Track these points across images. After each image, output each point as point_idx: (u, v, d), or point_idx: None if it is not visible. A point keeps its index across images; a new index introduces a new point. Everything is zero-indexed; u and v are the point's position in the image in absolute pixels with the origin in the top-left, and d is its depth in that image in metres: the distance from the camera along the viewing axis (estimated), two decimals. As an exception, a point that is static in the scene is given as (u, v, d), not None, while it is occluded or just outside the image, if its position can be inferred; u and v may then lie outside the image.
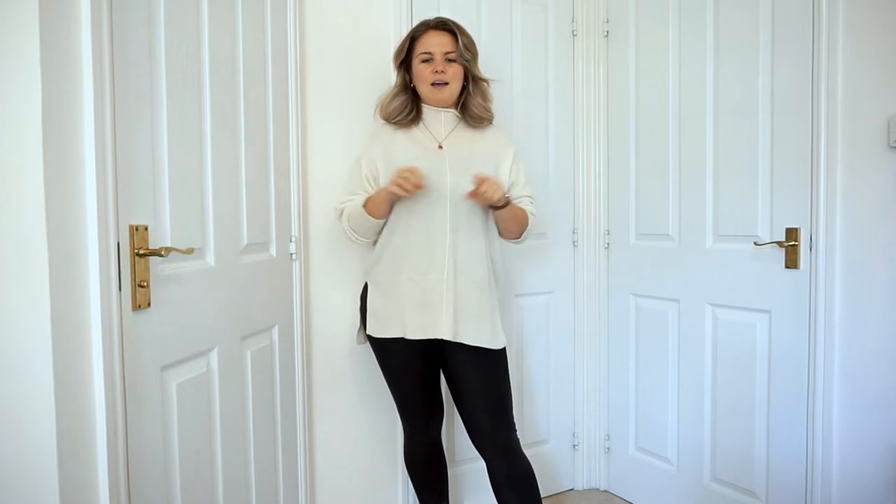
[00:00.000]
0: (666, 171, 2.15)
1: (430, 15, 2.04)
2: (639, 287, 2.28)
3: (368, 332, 1.69)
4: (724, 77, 1.95)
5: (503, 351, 1.67)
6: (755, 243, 1.84)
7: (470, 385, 1.63)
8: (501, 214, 1.64)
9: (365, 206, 1.63)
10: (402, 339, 1.63)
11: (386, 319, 1.65)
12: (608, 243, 2.40)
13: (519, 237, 1.74)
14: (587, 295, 2.42)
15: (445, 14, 1.88)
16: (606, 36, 2.36)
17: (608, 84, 2.37)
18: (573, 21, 2.36)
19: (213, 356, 1.40)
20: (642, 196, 2.26)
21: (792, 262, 1.77)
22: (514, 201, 1.73)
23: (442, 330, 1.59)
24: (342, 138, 1.96)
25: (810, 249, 1.73)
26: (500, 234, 1.75)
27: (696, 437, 2.09)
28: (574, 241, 2.41)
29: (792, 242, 1.76)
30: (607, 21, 2.35)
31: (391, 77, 2.00)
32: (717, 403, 2.02)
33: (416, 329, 1.61)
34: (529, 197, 1.76)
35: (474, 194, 1.55)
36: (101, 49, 1.02)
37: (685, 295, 2.11)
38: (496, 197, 1.54)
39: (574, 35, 2.37)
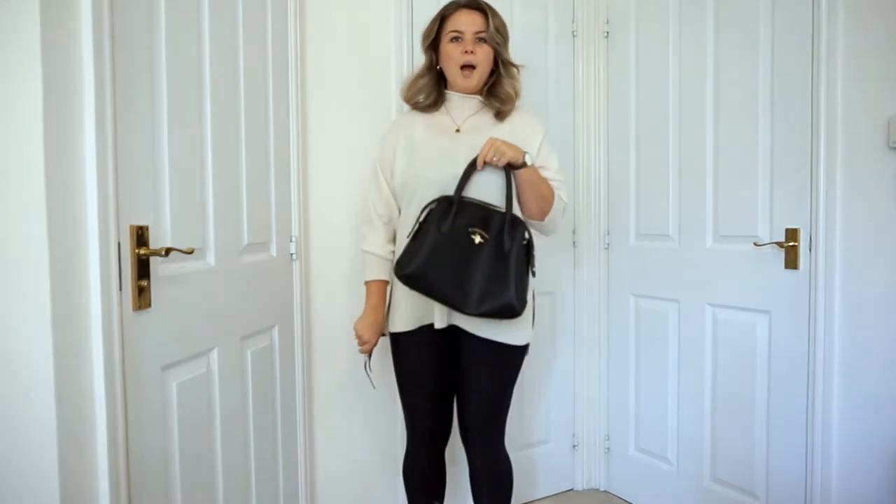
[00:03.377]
0: (666, 172, 2.15)
1: (430, 15, 2.04)
2: (639, 287, 2.28)
3: (389, 328, 1.63)
4: (724, 77, 1.95)
5: (518, 351, 1.58)
6: (755, 244, 1.84)
7: (468, 375, 1.59)
8: (520, 176, 1.51)
9: (367, 282, 1.66)
10: (421, 332, 1.57)
11: (405, 314, 1.59)
12: (608, 243, 2.40)
13: (542, 217, 1.59)
14: (587, 295, 2.42)
15: (446, 14, 1.88)
16: (606, 36, 2.36)
17: (608, 84, 2.37)
18: (573, 21, 2.36)
19: (213, 356, 1.40)
20: (642, 196, 2.26)
21: (792, 262, 1.77)
22: None
23: (434, 317, 1.53)
24: (342, 138, 1.96)
25: (810, 250, 1.73)
26: (522, 210, 1.58)
27: (696, 438, 2.09)
28: (574, 242, 2.41)
29: (792, 243, 1.77)
30: (607, 21, 2.35)
31: (391, 77, 2.00)
32: (717, 404, 2.02)
33: (415, 320, 1.56)
34: (561, 181, 1.63)
35: (484, 159, 1.47)
36: (102, 49, 1.02)
37: (685, 295, 2.11)
38: (509, 154, 1.45)
39: (574, 35, 2.37)
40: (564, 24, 2.35)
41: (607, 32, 2.36)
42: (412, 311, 1.57)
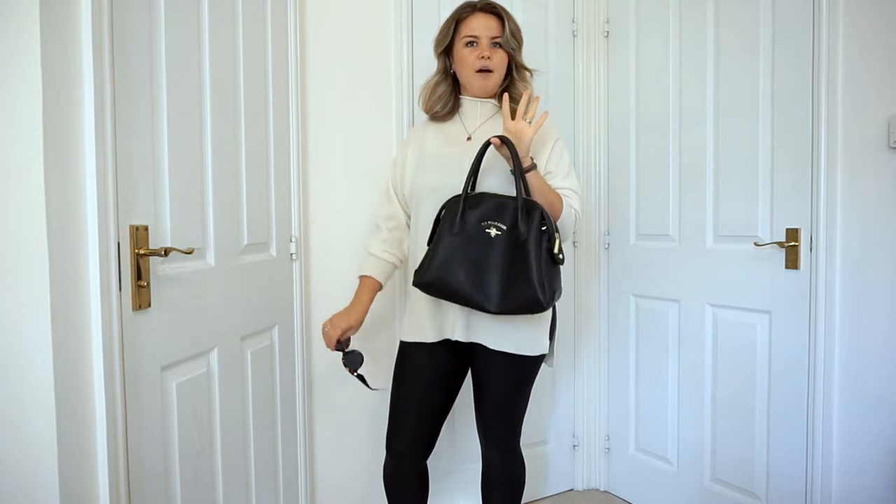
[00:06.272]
0: (666, 171, 2.15)
1: (430, 14, 2.04)
2: (639, 287, 2.28)
3: (402, 336, 1.61)
4: (725, 77, 1.95)
5: (534, 361, 1.53)
6: (755, 244, 1.84)
7: (483, 380, 1.56)
8: (529, 181, 1.41)
9: (359, 277, 1.65)
10: (424, 343, 1.54)
11: (411, 323, 1.58)
12: (608, 243, 2.40)
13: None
14: (587, 295, 2.42)
15: (445, 12, 1.88)
16: (607, 36, 2.36)
17: (608, 84, 2.37)
18: (573, 21, 2.36)
19: (213, 356, 1.40)
20: (642, 196, 2.26)
21: (792, 262, 1.77)
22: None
23: (451, 330, 1.50)
24: (342, 138, 1.96)
25: (810, 250, 1.73)
26: None
27: (696, 438, 2.09)
28: (574, 242, 2.41)
29: (792, 243, 1.76)
30: (608, 21, 2.35)
31: (391, 77, 2.00)
32: (717, 404, 2.02)
33: (431, 332, 1.53)
34: (571, 189, 1.53)
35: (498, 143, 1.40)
36: (101, 49, 1.02)
37: (685, 295, 2.10)
38: (528, 133, 1.38)
39: (574, 35, 2.37)
40: (565, 24, 2.35)
41: (607, 32, 2.36)
42: (430, 322, 1.53)
